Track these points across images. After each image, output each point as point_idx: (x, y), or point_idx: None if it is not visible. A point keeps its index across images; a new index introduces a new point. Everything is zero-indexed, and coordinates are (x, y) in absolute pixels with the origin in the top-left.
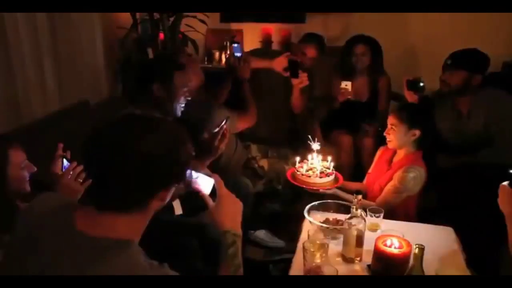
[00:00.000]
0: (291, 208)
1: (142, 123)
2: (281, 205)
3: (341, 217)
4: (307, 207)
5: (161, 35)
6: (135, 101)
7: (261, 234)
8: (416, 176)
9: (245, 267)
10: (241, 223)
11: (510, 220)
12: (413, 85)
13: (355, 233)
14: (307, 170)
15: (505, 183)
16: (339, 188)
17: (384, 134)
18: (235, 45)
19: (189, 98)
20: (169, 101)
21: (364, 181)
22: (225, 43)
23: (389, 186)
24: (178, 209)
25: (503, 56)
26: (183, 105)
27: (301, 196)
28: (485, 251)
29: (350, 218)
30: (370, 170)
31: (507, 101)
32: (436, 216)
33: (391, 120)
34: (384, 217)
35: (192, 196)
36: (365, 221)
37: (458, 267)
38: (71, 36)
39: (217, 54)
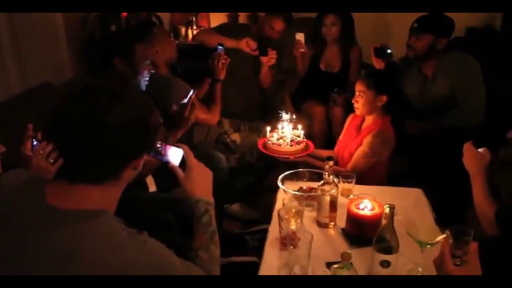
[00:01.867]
0: (265, 180)
1: (106, 94)
2: (255, 178)
3: (315, 184)
4: (281, 176)
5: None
6: (98, 78)
7: (237, 207)
8: (385, 140)
9: (222, 240)
10: (218, 197)
11: (474, 179)
12: (380, 52)
13: (328, 198)
14: (277, 139)
15: (469, 143)
16: (310, 155)
17: (352, 101)
18: (220, 47)
19: (153, 71)
20: (132, 75)
21: (335, 149)
22: (190, 18)
23: (358, 152)
24: (152, 186)
25: (466, 22)
26: (147, 78)
27: (274, 167)
28: (453, 210)
29: (323, 184)
30: (340, 138)
31: (470, 64)
32: (406, 180)
33: (358, 87)
34: (356, 183)
35: (165, 173)
36: (337, 186)
37: (427, 226)
38: (30, 16)
39: (183, 29)
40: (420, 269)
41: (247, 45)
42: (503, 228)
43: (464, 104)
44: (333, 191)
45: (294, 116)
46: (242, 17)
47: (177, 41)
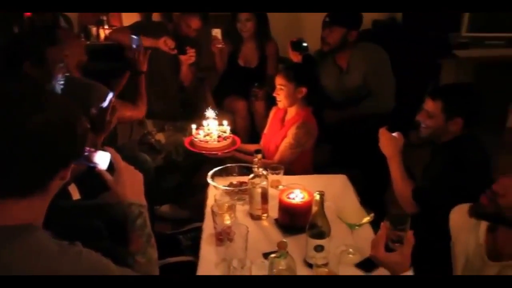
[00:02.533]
0: (194, 178)
1: (27, 101)
2: (183, 177)
3: (245, 178)
4: (210, 173)
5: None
6: (9, 85)
7: (166, 208)
8: (308, 131)
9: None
10: (146, 199)
11: (391, 161)
12: (296, 45)
13: (259, 191)
14: (204, 136)
15: (384, 128)
16: (238, 150)
17: (274, 95)
18: (134, 37)
19: (68, 74)
20: (45, 79)
21: (261, 142)
22: (101, 17)
23: (284, 143)
24: (75, 194)
25: (372, 15)
26: (61, 82)
27: (202, 165)
28: (374, 192)
29: (253, 177)
30: (265, 131)
31: (380, 54)
32: (330, 167)
33: (278, 80)
34: (284, 173)
35: (90, 178)
36: (267, 179)
37: (354, 209)
38: None
39: (94, 29)
40: (351, 249)
41: (165, 44)
42: (421, 205)
43: (377, 92)
44: (264, 184)
45: (217, 112)
46: (156, 15)
47: (88, 42)
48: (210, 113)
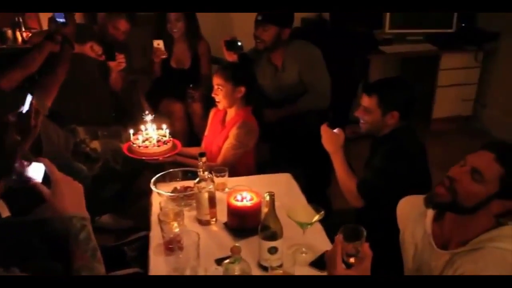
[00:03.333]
0: (134, 185)
1: None
2: (122, 185)
3: (189, 183)
4: (153, 179)
5: None
6: None
7: (107, 218)
8: (250, 130)
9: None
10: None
11: (334, 157)
12: (231, 45)
13: (206, 195)
14: (143, 141)
15: (325, 125)
16: (179, 154)
17: (212, 95)
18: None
19: None
20: None
21: (202, 145)
22: (16, 19)
23: (226, 145)
24: (4, 211)
25: (300, 13)
26: None
27: (142, 171)
28: (318, 188)
29: (199, 181)
30: (206, 133)
31: (312, 51)
32: (272, 166)
33: (216, 80)
34: (228, 176)
35: (21, 192)
36: (214, 182)
37: (303, 207)
38: None
39: (9, 32)
40: (304, 249)
41: (92, 50)
42: (366, 199)
43: (313, 89)
44: (210, 187)
45: (153, 116)
46: (78, 17)
47: (4, 46)
48: (147, 117)
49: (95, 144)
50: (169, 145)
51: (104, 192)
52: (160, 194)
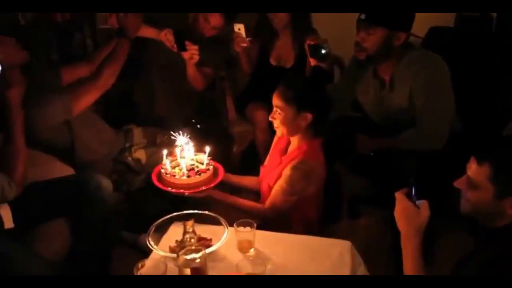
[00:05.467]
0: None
1: None
2: (170, 204)
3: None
4: (153, 226)
5: None
6: None
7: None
8: (307, 174)
9: None
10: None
11: (407, 241)
12: (314, 51)
13: (188, 272)
14: (173, 168)
15: (402, 192)
16: (227, 184)
17: (269, 118)
18: None
19: None
20: None
21: (260, 176)
22: None
23: (276, 186)
24: (8, 221)
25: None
26: None
27: None
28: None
29: (185, 251)
30: (265, 162)
31: (438, 68)
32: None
33: (275, 100)
34: (280, 228)
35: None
36: (205, 252)
37: None
38: None
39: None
40: None
41: (166, 38)
42: None
43: (424, 120)
44: (198, 260)
45: (189, 136)
46: None
47: None
48: (181, 139)
49: (140, 154)
50: (203, 176)
51: (147, 209)
52: (153, 249)
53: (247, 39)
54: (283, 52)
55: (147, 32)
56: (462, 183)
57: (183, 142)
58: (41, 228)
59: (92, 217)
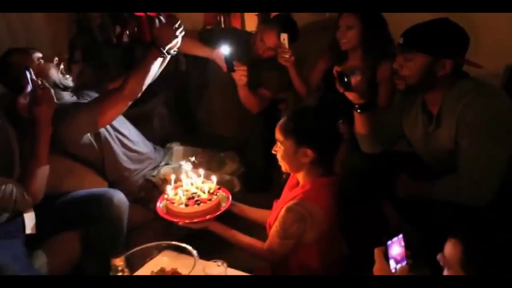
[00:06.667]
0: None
1: None
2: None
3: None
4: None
5: None
6: None
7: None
8: (303, 217)
9: None
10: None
11: None
12: (338, 78)
13: None
14: (174, 195)
15: (381, 249)
16: (240, 216)
17: (272, 151)
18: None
19: None
20: None
21: (271, 210)
22: (218, 18)
23: (274, 227)
24: (30, 225)
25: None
26: None
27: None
28: None
29: None
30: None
31: (491, 101)
32: None
33: (276, 132)
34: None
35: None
36: None
37: None
38: None
39: None
40: None
41: (218, 57)
42: None
43: (466, 166)
44: None
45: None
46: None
47: None
48: (186, 165)
49: (167, 174)
50: (202, 207)
51: (172, 230)
52: None
53: (289, 51)
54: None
55: (201, 50)
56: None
57: (188, 168)
58: (51, 240)
59: (99, 233)
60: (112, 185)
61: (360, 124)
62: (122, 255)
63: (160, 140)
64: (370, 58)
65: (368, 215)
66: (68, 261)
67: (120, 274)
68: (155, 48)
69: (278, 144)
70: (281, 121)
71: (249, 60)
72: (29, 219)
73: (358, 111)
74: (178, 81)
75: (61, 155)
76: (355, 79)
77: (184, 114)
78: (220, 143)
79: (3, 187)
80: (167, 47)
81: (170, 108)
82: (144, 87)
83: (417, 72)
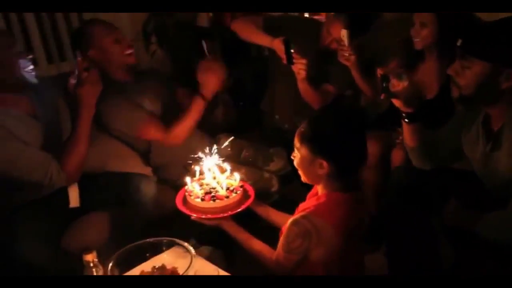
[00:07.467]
0: None
1: None
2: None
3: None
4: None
5: None
6: None
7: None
8: (308, 233)
9: None
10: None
11: None
12: (384, 82)
13: None
14: (194, 188)
15: None
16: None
17: (291, 157)
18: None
19: None
20: None
21: None
22: None
23: (281, 238)
24: (74, 199)
25: None
26: None
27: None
28: None
29: None
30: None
31: None
32: None
33: (295, 139)
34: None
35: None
36: None
37: None
38: None
39: None
40: None
41: (278, 47)
42: None
43: None
44: None
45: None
46: None
47: None
48: (210, 161)
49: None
50: (218, 203)
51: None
52: None
53: (348, 49)
54: (426, 79)
55: (260, 38)
56: None
57: (211, 163)
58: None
59: (126, 216)
60: (155, 170)
61: (408, 135)
62: (93, 251)
63: (220, 129)
64: (446, 62)
65: (415, 238)
66: (94, 241)
67: (93, 270)
68: (199, 97)
69: (295, 150)
70: (302, 125)
71: (313, 52)
72: (73, 193)
73: (406, 120)
74: (252, 67)
75: (109, 136)
76: (401, 84)
77: (248, 104)
78: (277, 136)
79: (41, 161)
80: (211, 95)
81: (235, 95)
82: (190, 132)
83: (474, 82)
